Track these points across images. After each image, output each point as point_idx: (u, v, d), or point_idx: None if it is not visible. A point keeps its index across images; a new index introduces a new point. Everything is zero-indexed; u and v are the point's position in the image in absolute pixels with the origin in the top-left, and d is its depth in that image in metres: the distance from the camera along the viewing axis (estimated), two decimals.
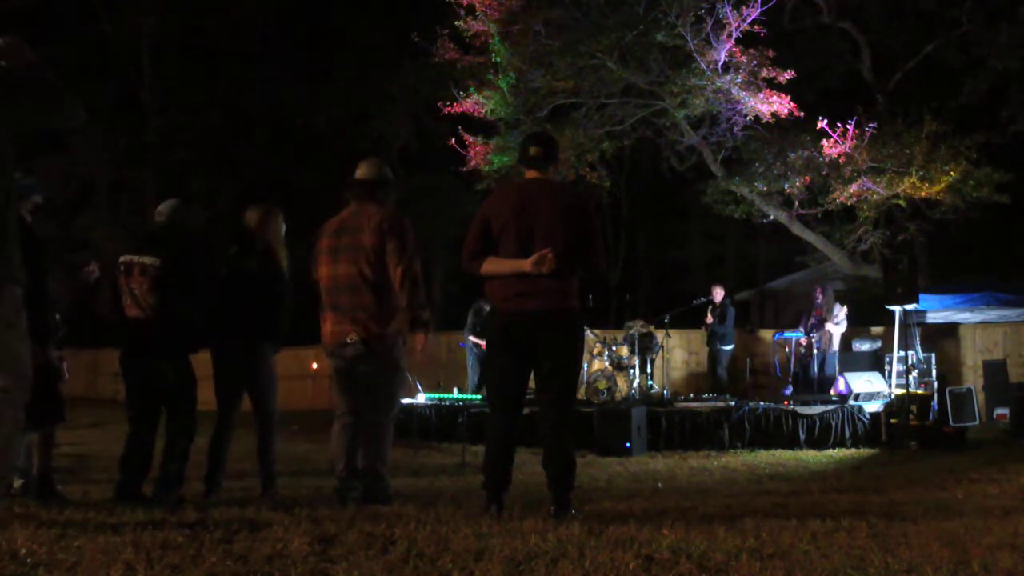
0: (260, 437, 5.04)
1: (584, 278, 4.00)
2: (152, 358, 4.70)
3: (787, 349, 12.14)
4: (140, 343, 4.71)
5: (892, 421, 9.39)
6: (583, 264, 3.92)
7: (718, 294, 12.45)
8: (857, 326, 12.84)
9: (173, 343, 4.69)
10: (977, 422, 10.07)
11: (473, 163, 14.12)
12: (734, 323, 12.71)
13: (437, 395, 10.89)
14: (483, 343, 11.86)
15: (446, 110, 13.97)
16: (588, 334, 10.28)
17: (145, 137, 22.86)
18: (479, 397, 10.49)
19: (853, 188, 12.97)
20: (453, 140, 14.24)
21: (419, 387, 10.68)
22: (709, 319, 12.35)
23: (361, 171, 4.57)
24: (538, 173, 4.02)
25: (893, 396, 9.70)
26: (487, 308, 11.98)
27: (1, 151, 2.95)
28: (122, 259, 4.76)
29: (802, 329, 11.87)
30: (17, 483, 4.84)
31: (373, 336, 4.34)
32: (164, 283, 4.65)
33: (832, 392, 10.36)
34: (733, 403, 9.78)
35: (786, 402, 9.80)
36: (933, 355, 10.93)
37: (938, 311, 13.07)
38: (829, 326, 11.64)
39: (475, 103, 13.50)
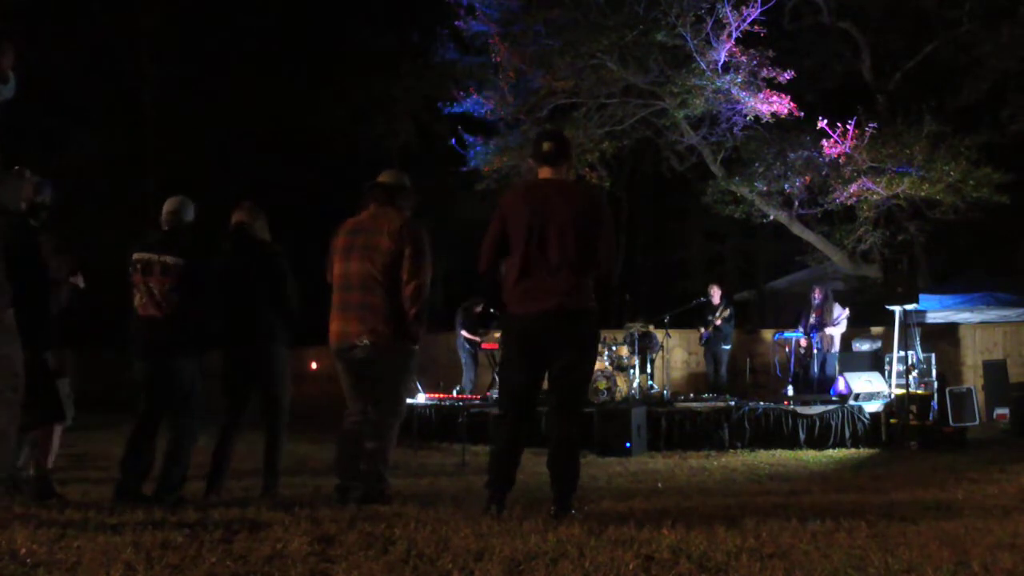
0: (270, 435, 5.02)
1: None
2: (167, 357, 4.64)
3: (787, 349, 12.11)
4: (156, 342, 4.64)
5: (892, 421, 9.38)
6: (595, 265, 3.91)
7: (716, 294, 12.40)
8: (857, 326, 12.82)
9: (190, 342, 4.67)
10: (977, 422, 10.06)
11: (473, 163, 14.13)
12: (735, 323, 12.70)
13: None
14: (477, 339, 11.95)
15: (446, 110, 13.97)
16: None
17: (145, 138, 22.81)
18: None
19: (853, 188, 12.95)
20: (453, 140, 14.24)
21: (419, 387, 10.67)
22: (719, 321, 12.20)
23: (383, 176, 4.67)
24: (552, 170, 4.00)
25: (893, 396, 9.68)
26: (478, 307, 12.06)
27: None
28: (138, 256, 4.65)
29: (802, 329, 11.85)
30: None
31: (382, 337, 4.35)
32: (187, 282, 4.62)
33: (832, 392, 10.36)
34: (733, 403, 9.77)
35: (786, 402, 9.79)
36: (933, 355, 10.91)
37: (938, 311, 13.06)
38: (829, 328, 11.62)
39: (475, 103, 13.50)
